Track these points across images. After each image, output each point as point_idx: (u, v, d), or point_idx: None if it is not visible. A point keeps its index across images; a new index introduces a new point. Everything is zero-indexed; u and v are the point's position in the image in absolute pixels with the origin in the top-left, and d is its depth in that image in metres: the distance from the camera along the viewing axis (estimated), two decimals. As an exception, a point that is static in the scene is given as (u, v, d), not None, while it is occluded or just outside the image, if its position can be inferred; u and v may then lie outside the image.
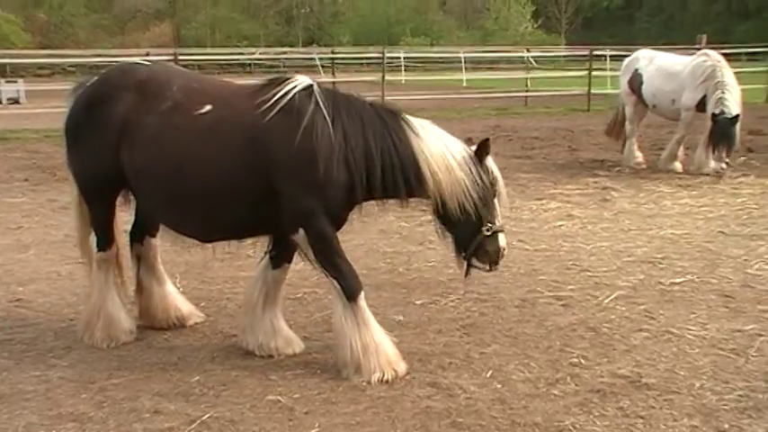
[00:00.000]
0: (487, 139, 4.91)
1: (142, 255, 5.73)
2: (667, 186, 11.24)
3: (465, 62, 35.99)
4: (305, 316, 6.02)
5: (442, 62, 44.24)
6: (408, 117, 4.99)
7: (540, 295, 6.47)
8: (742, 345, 5.35)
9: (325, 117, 4.75)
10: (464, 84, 32.55)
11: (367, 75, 30.18)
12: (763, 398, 4.54)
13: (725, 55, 12.97)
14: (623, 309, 6.10)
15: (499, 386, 4.74)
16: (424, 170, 4.78)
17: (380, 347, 4.85)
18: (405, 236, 8.49)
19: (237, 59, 44.06)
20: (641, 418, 4.34)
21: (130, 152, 5.00)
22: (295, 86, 4.87)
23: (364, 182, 4.81)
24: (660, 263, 7.37)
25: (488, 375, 4.89)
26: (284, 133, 4.73)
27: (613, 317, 5.94)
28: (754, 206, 9.77)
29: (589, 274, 7.05)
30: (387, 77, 24.97)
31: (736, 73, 12.36)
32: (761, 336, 5.49)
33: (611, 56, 29.46)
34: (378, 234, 8.54)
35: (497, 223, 4.90)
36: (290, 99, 4.80)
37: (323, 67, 33.58)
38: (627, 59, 13.84)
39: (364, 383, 4.75)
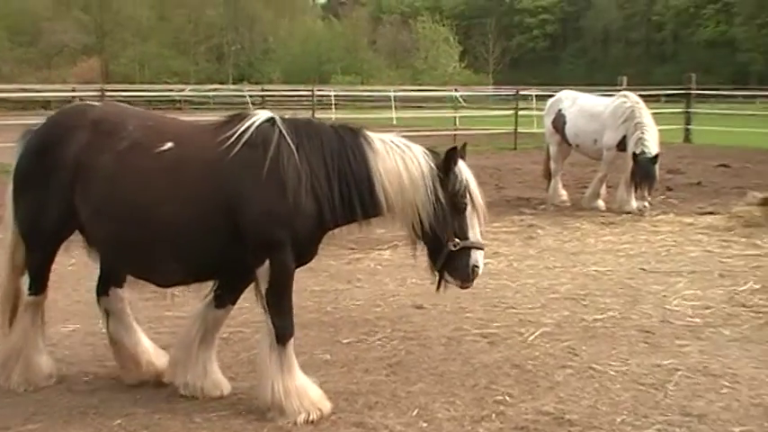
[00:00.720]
0: (454, 148, 4.80)
1: (110, 308, 5.39)
2: (591, 224, 11.50)
3: (395, 100, 36.37)
4: (231, 356, 5.95)
5: (373, 100, 44.54)
6: (369, 133, 4.93)
7: (466, 333, 6.53)
8: (661, 379, 5.48)
9: (289, 145, 4.72)
10: (394, 122, 32.84)
11: (297, 112, 30.20)
12: (679, 431, 4.65)
13: (644, 96, 13.43)
14: (547, 345, 6.20)
15: (425, 425, 4.75)
16: (377, 188, 4.74)
17: (302, 390, 4.80)
18: (332, 274, 8.48)
19: (167, 96, 43.73)
20: (564, 454, 4.40)
21: (85, 193, 4.84)
22: (256, 120, 4.84)
23: (331, 207, 4.76)
24: (583, 299, 7.52)
25: (414, 414, 4.89)
26: (251, 166, 4.67)
27: (538, 354, 6.02)
28: (673, 243, 10.05)
29: (515, 311, 7.15)
30: (317, 114, 25.04)
31: (655, 114, 12.79)
32: (678, 370, 5.63)
33: (536, 96, 30.14)
34: (305, 272, 8.45)
35: (470, 237, 4.78)
36: (254, 132, 4.76)
37: (253, 104, 33.55)
38: (551, 100, 14.20)
39: (290, 425, 4.71)
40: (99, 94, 20.78)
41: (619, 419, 4.83)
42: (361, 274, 8.34)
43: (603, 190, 13.19)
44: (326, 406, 4.85)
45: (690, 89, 27.02)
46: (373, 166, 4.77)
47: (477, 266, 4.81)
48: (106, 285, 5.38)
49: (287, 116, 5.00)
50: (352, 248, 9.57)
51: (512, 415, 4.88)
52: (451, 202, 4.74)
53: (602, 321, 6.82)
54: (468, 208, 4.78)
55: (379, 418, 4.81)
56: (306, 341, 6.19)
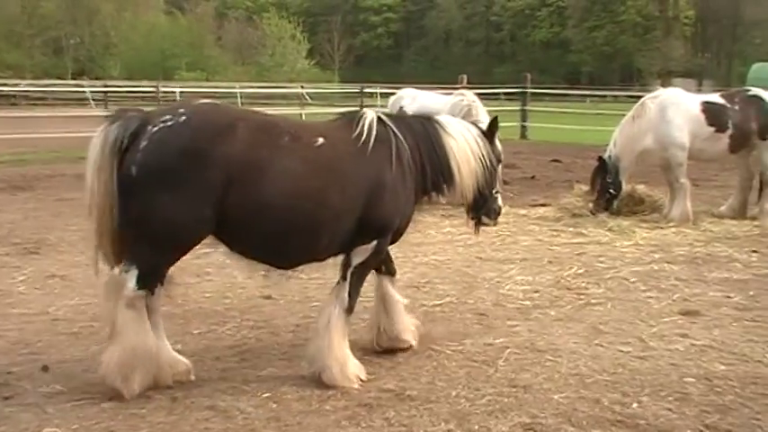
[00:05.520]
0: (495, 119, 6.10)
1: (153, 306, 5.23)
2: (432, 216, 11.97)
3: (241, 97, 36.27)
4: (81, 349, 6.01)
5: (218, 97, 44.13)
6: (439, 118, 5.91)
7: (313, 321, 6.76)
8: (492, 356, 5.97)
9: (402, 140, 5.48)
10: (240, 119, 32.69)
11: (141, 109, 29.59)
12: (507, 401, 5.12)
13: (484, 94, 14.09)
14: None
15: (275, 405, 5.02)
16: (453, 166, 5.67)
17: (345, 359, 5.41)
18: (182, 267, 8.45)
19: (1, 91, 41.75)
20: (404, 426, 4.76)
21: (248, 190, 4.91)
22: (372, 117, 5.51)
23: (424, 191, 5.74)
24: (424, 287, 7.97)
25: (265, 396, 5.16)
26: (384, 159, 5.37)
27: (380, 337, 6.38)
28: (508, 233, 10.69)
29: (359, 299, 7.48)
30: (161, 112, 24.62)
31: (494, 111, 13.41)
32: (508, 348, 6.14)
33: (381, 93, 30.78)
34: (154, 268, 8.57)
35: (498, 187, 6.14)
36: (377, 129, 5.43)
37: (94, 100, 32.63)
38: (392, 98, 14.67)
39: (144, 410, 4.88)
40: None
41: (454, 393, 5.25)
42: (210, 268, 8.48)
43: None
44: (360, 376, 5.41)
45: (526, 88, 28.31)
46: (449, 148, 5.69)
47: (501, 206, 6.28)
48: (153, 282, 5.12)
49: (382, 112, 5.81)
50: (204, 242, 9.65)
51: (356, 393, 5.23)
52: (493, 164, 5.94)
53: (440, 306, 7.29)
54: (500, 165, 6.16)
55: (230, 401, 5.05)
56: (157, 333, 6.32)
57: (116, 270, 5.02)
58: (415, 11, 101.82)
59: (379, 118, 5.54)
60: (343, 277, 5.50)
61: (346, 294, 5.47)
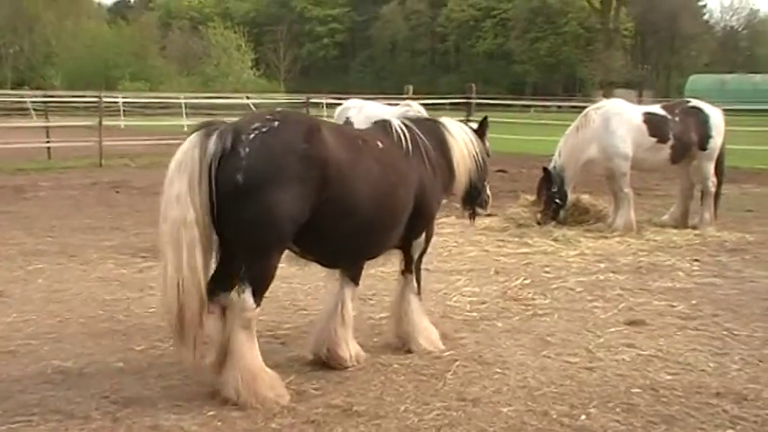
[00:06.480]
0: (485, 119, 6.82)
1: (228, 305, 5.26)
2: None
3: (186, 107, 35.88)
4: (19, 369, 5.81)
5: (163, 107, 43.70)
6: (443, 120, 6.49)
7: (259, 335, 6.55)
8: (440, 369, 5.92)
9: (426, 143, 6.04)
10: (185, 129, 32.32)
11: (83, 119, 29.17)
12: (456, 415, 5.07)
13: (430, 105, 14.12)
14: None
15: (220, 424, 4.90)
16: (455, 165, 6.27)
17: (429, 329, 6.39)
18: (124, 283, 8.41)
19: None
20: (351, 442, 4.70)
21: (342, 189, 5.22)
22: (399, 124, 6.04)
23: (441, 189, 6.25)
24: (371, 299, 7.91)
25: (210, 414, 5.03)
26: (422, 159, 5.96)
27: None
28: (454, 244, 10.70)
29: (305, 312, 7.43)
30: (104, 122, 24.28)
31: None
32: (456, 360, 6.10)
33: (327, 103, 30.70)
34: (96, 282, 8.41)
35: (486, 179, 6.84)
36: (406, 134, 5.94)
37: (35, 110, 32.01)
38: (339, 108, 14.61)
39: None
40: None
41: (402, 408, 5.18)
42: (153, 282, 8.30)
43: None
44: (441, 346, 6.34)
45: (470, 98, 28.46)
46: (454, 149, 6.29)
47: (490, 195, 6.99)
48: (226, 282, 5.19)
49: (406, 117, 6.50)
50: (144, 256, 9.51)
51: (303, 410, 5.12)
52: (484, 160, 6.61)
53: (387, 318, 7.20)
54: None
55: (174, 420, 4.91)
56: (98, 350, 6.19)
57: (234, 294, 5.07)
58: (361, 21, 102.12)
59: (404, 123, 6.09)
60: (409, 270, 6.27)
61: (415, 283, 6.32)
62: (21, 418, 4.92)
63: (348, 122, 13.73)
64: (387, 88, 43.36)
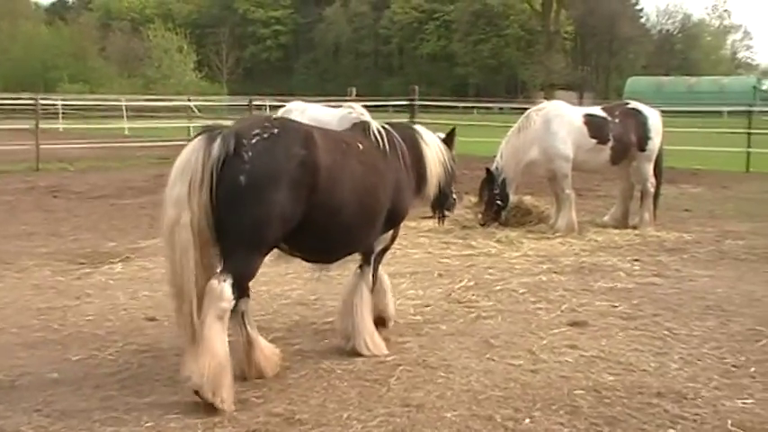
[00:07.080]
0: (453, 130, 7.09)
1: (246, 309, 5.75)
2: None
3: (126, 110, 35.33)
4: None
5: (103, 110, 42.94)
6: (417, 128, 6.87)
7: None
8: (384, 374, 5.85)
9: (403, 147, 6.30)
10: (126, 132, 31.95)
11: (20, 122, 28.50)
12: (400, 421, 5.01)
13: (373, 107, 14.07)
14: (279, 350, 6.39)
15: (158, 435, 4.79)
16: (428, 171, 6.55)
17: (372, 331, 6.37)
18: (60, 290, 8.19)
19: None
20: (294, 451, 4.62)
21: (331, 191, 5.48)
22: (378, 126, 6.28)
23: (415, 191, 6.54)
24: (314, 304, 7.83)
25: (148, 425, 4.90)
26: (397, 160, 6.19)
27: (270, 358, 6.20)
28: (398, 246, 10.59)
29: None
30: (42, 125, 23.76)
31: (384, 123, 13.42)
32: (400, 365, 6.04)
33: (270, 105, 30.51)
34: (30, 290, 8.17)
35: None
36: (386, 136, 6.20)
37: (-32, 113, 31.20)
38: (281, 110, 14.45)
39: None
40: None
41: (345, 415, 5.11)
42: (91, 290, 8.13)
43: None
44: (384, 350, 6.34)
45: (414, 100, 28.51)
46: (426, 154, 6.55)
47: (456, 199, 7.33)
48: (243, 288, 5.47)
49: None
50: (82, 263, 9.29)
51: (244, 419, 5.01)
52: (453, 167, 6.90)
53: (330, 324, 7.13)
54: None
55: (111, 433, 4.79)
56: (32, 361, 6.00)
57: (213, 281, 5.16)
58: (304, 24, 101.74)
59: (383, 126, 6.33)
60: (368, 262, 6.42)
61: (371, 276, 6.43)
62: None
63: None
64: (330, 90, 43.18)
